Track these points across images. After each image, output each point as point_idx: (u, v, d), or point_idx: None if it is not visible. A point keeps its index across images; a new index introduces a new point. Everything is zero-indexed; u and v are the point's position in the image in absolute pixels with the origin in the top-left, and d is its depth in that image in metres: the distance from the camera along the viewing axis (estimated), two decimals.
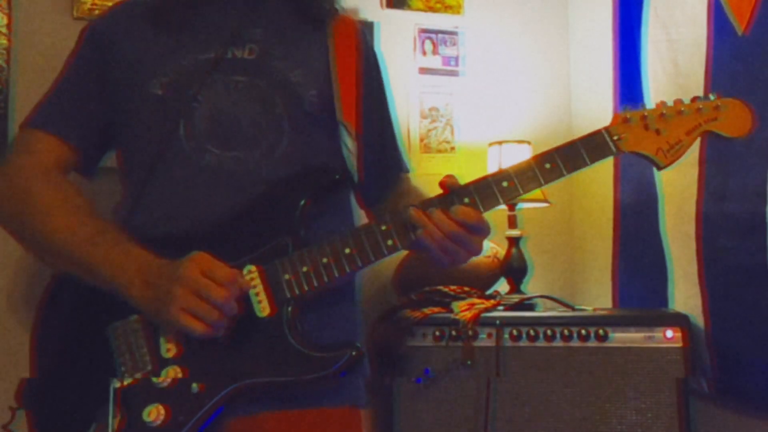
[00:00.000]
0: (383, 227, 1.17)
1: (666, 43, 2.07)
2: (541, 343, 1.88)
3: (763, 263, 1.74)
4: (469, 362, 1.86)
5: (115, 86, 1.31)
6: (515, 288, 2.21)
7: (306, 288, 1.16)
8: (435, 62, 2.51)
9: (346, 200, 1.37)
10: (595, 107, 2.48)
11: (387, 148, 1.46)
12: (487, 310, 1.94)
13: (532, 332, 1.89)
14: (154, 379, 1.13)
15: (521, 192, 1.19)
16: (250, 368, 1.14)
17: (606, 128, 1.22)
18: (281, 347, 1.14)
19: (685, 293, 2.01)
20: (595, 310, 2.03)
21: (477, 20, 2.57)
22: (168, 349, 1.16)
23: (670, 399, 1.82)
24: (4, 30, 2.05)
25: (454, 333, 1.89)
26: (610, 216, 2.35)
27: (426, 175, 2.34)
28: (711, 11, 1.91)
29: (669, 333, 1.85)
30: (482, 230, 1.17)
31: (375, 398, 1.34)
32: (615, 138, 1.21)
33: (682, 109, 1.22)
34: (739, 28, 1.83)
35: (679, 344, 1.84)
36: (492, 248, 2.22)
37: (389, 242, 1.17)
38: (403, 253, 1.26)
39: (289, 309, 1.16)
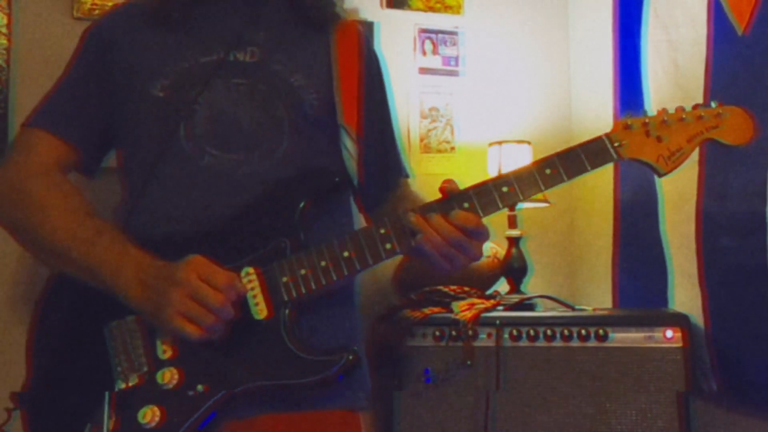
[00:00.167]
0: (382, 231, 1.17)
1: (666, 44, 2.07)
2: (541, 343, 1.88)
3: (763, 263, 1.74)
4: (469, 362, 1.86)
5: (117, 87, 1.31)
6: (515, 288, 2.21)
7: (304, 291, 1.16)
8: (435, 62, 2.51)
9: (346, 203, 1.37)
10: (595, 107, 2.48)
11: (387, 151, 1.45)
12: (487, 310, 1.94)
13: (532, 332, 1.89)
14: (150, 381, 1.13)
15: (521, 197, 1.19)
16: (247, 371, 1.14)
17: (607, 134, 1.21)
18: (278, 350, 1.14)
19: (685, 293, 2.01)
20: (595, 310, 2.03)
21: (477, 20, 2.57)
22: (164, 351, 1.15)
23: (670, 399, 1.82)
24: (4, 30, 2.05)
25: (454, 333, 1.89)
26: (610, 216, 2.35)
27: (426, 175, 2.35)
28: (711, 11, 1.91)
29: (669, 333, 1.85)
30: (482, 235, 1.16)
31: (375, 399, 1.34)
32: (616, 144, 1.21)
33: (684, 116, 1.21)
34: (739, 28, 1.83)
35: (679, 344, 1.84)
36: (492, 248, 2.23)
37: (388, 246, 1.16)
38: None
39: (287, 312, 1.15)
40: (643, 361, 1.84)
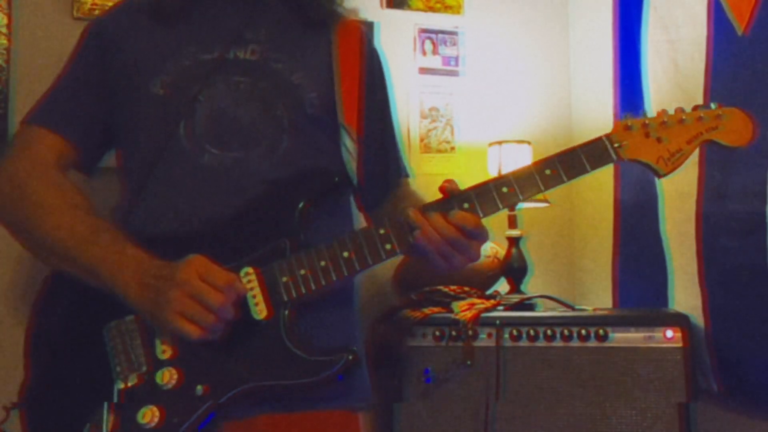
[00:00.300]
0: (381, 231, 1.17)
1: (666, 44, 2.07)
2: (541, 343, 1.88)
3: (763, 263, 1.75)
4: (469, 362, 1.86)
5: (117, 85, 1.31)
6: (515, 288, 2.21)
7: (303, 291, 1.16)
8: (435, 62, 2.51)
9: (346, 203, 1.37)
10: (595, 107, 2.48)
11: (388, 152, 1.45)
12: (487, 310, 1.94)
13: (532, 332, 1.89)
14: (149, 381, 1.13)
15: (521, 198, 1.19)
16: (247, 371, 1.13)
17: (607, 135, 1.22)
18: (277, 350, 1.13)
19: (685, 293, 2.01)
20: (595, 310, 2.03)
21: (477, 20, 2.57)
22: (163, 351, 1.15)
23: (670, 399, 1.81)
24: (4, 30, 2.05)
25: (454, 333, 1.89)
26: (610, 216, 2.35)
27: (426, 175, 2.35)
28: (711, 11, 1.91)
29: (669, 333, 1.85)
30: (480, 236, 1.17)
31: (375, 400, 1.33)
32: (616, 145, 1.21)
33: (684, 117, 1.22)
34: (739, 28, 1.83)
35: (679, 344, 1.84)
36: (492, 248, 2.23)
37: (387, 246, 1.16)
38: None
39: (286, 312, 1.15)
40: (643, 361, 1.84)
